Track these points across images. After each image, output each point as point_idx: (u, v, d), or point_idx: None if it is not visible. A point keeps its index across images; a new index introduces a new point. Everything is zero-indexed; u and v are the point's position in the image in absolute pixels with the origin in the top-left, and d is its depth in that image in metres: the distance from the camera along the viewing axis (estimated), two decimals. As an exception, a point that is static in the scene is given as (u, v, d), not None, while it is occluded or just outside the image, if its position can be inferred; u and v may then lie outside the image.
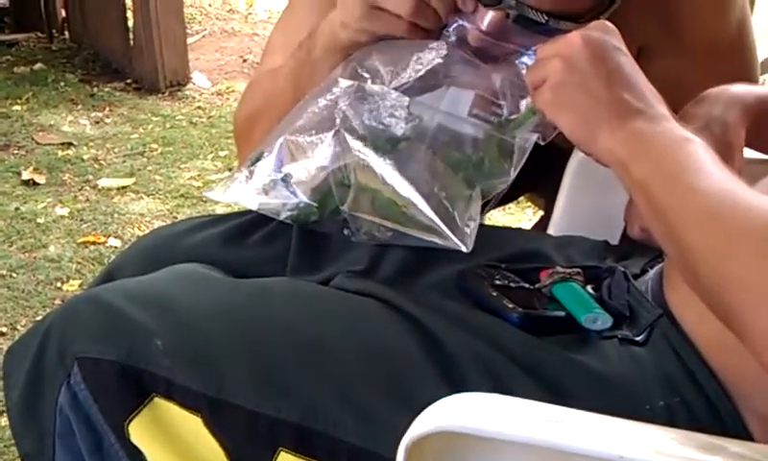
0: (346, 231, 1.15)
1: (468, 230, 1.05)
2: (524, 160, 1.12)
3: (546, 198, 1.62)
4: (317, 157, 1.17)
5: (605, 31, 1.02)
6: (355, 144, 1.13)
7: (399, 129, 1.14)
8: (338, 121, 1.15)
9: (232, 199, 1.21)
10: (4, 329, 2.52)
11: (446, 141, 1.13)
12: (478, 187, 1.08)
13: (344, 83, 1.17)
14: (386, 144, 1.13)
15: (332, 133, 1.16)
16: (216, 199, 1.25)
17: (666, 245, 0.93)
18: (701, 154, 0.91)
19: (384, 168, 1.11)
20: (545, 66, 1.01)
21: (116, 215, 3.21)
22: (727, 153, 1.09)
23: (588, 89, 0.98)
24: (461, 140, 1.13)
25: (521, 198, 2.10)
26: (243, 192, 1.20)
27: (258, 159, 1.21)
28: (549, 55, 1.02)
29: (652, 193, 0.91)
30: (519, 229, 1.85)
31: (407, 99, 1.15)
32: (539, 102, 1.03)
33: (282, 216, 1.17)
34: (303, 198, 1.16)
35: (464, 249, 1.04)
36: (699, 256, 0.86)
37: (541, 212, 1.92)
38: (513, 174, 1.10)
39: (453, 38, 1.18)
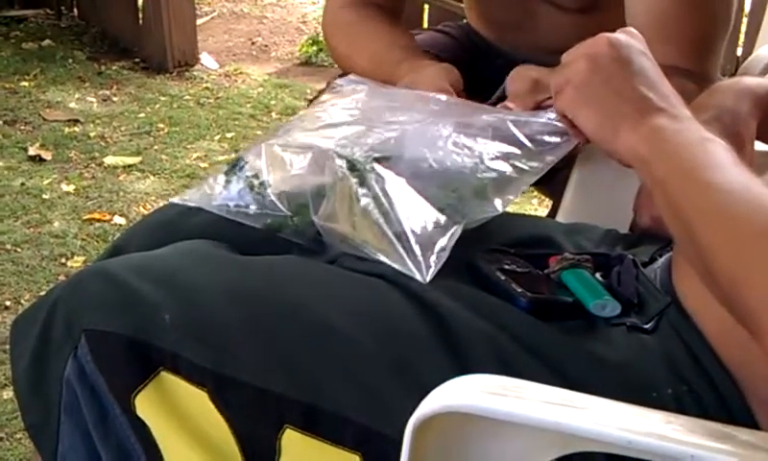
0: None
1: (432, 261, 1.04)
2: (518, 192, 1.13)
3: (553, 189, 1.62)
4: (296, 169, 1.18)
5: (630, 35, 1.03)
6: (338, 161, 1.14)
7: (379, 149, 1.16)
8: (324, 144, 1.18)
9: (203, 203, 1.21)
10: (8, 303, 2.53)
11: (432, 172, 1.13)
12: (461, 223, 1.07)
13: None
14: (365, 162, 1.14)
15: (316, 150, 1.18)
16: (186, 203, 1.23)
17: (683, 243, 0.93)
18: (721, 154, 0.91)
19: (361, 187, 1.11)
20: (569, 68, 1.02)
21: (122, 193, 3.21)
22: (737, 144, 1.08)
23: (611, 87, 0.99)
24: (448, 172, 1.14)
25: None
26: (215, 197, 1.21)
27: (236, 166, 1.22)
28: (574, 57, 1.02)
29: (670, 190, 0.91)
30: (529, 215, 1.85)
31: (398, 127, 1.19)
32: (561, 103, 1.04)
33: (256, 224, 1.18)
34: (281, 207, 1.17)
35: (419, 277, 1.03)
36: (715, 254, 0.85)
37: (547, 202, 1.92)
38: (501, 207, 1.10)
39: None
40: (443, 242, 1.05)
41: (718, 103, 1.15)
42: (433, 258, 1.04)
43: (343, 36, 1.70)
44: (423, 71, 1.46)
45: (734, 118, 1.14)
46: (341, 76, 1.71)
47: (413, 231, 1.06)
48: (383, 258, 1.06)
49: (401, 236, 1.06)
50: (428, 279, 1.02)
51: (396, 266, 1.05)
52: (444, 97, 1.30)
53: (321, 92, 1.82)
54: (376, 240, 1.08)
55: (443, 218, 1.07)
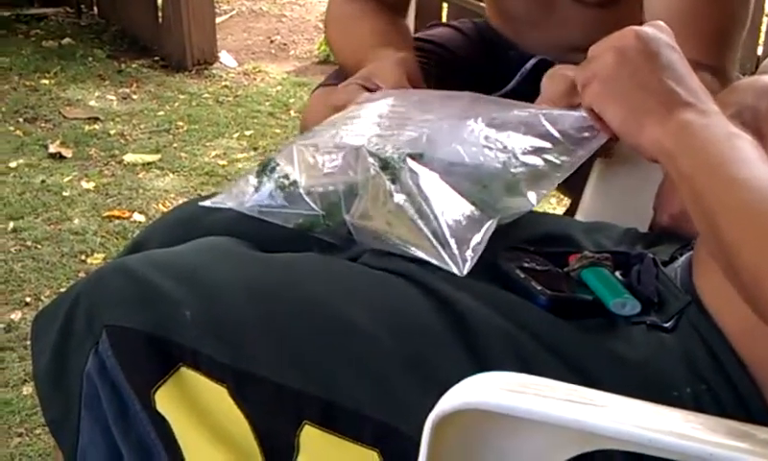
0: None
1: (467, 255, 1.04)
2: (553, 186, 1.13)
3: (573, 187, 1.62)
4: (328, 169, 1.18)
5: (658, 28, 1.02)
6: (369, 159, 1.14)
7: (410, 146, 1.15)
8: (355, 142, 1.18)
9: (235, 205, 1.21)
10: (28, 299, 2.54)
11: (464, 168, 1.13)
12: (495, 217, 1.07)
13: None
14: (398, 158, 1.13)
15: (347, 149, 1.17)
16: (218, 205, 1.22)
17: (708, 238, 0.92)
18: (749, 149, 0.91)
19: (394, 184, 1.11)
20: (596, 62, 1.02)
21: (141, 191, 3.22)
22: (757, 141, 1.08)
23: (638, 80, 0.98)
24: (481, 168, 1.13)
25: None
26: (247, 198, 1.21)
27: (267, 168, 1.22)
28: (601, 50, 1.02)
29: (697, 185, 0.91)
30: (549, 213, 1.84)
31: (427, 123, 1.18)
32: (587, 96, 1.03)
33: (287, 223, 1.18)
34: (313, 206, 1.17)
35: (455, 271, 1.03)
36: (740, 250, 0.85)
37: (565, 200, 1.91)
38: (535, 201, 1.10)
39: None
40: (478, 236, 1.05)
41: (738, 100, 1.15)
42: (468, 252, 1.04)
43: (339, 28, 1.70)
44: (381, 62, 1.44)
45: (754, 115, 1.13)
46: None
47: (448, 226, 1.06)
48: (419, 253, 1.06)
49: (437, 231, 1.06)
50: (465, 272, 1.02)
51: (432, 261, 1.05)
52: (474, 94, 1.30)
53: (319, 85, 1.82)
54: (412, 236, 1.08)
55: (477, 212, 1.07)
